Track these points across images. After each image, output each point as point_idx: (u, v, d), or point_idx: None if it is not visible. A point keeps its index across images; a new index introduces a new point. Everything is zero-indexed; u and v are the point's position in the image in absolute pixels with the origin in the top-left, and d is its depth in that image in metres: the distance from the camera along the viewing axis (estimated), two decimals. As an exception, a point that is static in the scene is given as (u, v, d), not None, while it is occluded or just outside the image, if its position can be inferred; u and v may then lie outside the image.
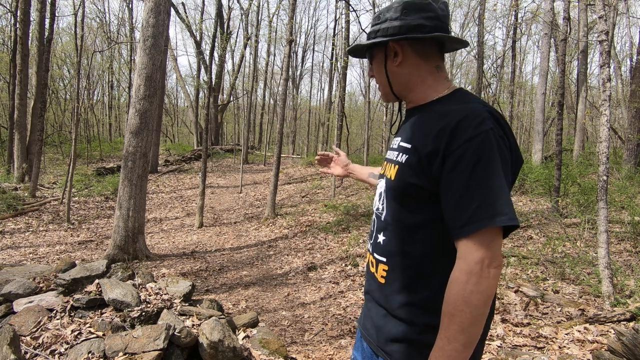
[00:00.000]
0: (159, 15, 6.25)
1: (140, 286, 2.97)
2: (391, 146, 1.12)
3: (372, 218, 1.14)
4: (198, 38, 19.36)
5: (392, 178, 1.01)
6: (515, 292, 3.95)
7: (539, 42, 20.19)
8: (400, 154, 1.01)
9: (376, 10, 12.90)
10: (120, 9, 30.62)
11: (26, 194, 10.01)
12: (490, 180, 0.84)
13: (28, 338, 2.34)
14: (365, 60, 1.31)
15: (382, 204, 1.07)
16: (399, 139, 1.06)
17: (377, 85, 1.14)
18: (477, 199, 0.84)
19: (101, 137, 22.49)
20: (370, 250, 1.11)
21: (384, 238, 1.04)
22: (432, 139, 0.91)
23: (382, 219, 1.06)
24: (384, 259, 1.04)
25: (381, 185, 1.09)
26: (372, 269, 1.10)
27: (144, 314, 2.48)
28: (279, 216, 9.07)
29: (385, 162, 1.12)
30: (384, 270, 1.04)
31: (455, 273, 0.86)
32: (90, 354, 2.17)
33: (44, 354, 2.21)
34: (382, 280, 1.04)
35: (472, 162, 0.85)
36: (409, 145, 0.99)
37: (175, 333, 2.26)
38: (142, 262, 6.13)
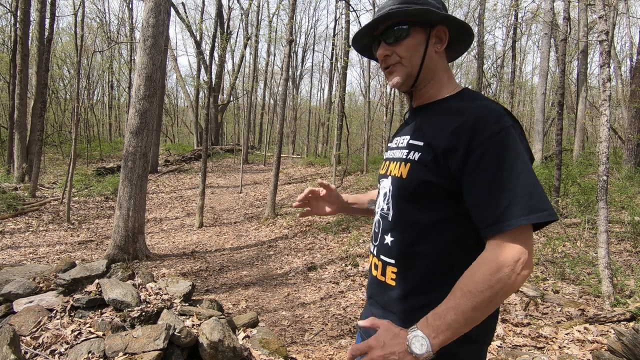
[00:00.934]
0: (159, 15, 6.25)
1: (140, 286, 2.97)
2: (396, 145, 1.09)
3: (375, 219, 1.10)
4: (198, 38, 19.37)
5: (404, 176, 0.97)
6: (516, 292, 3.95)
7: (539, 42, 20.21)
8: (412, 151, 0.98)
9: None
10: (120, 9, 30.63)
11: (26, 194, 10.01)
12: (520, 175, 0.83)
13: (28, 338, 2.33)
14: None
15: (388, 204, 1.03)
16: (407, 137, 1.04)
17: (391, 66, 1.03)
18: (509, 196, 0.82)
19: (101, 137, 22.49)
20: (375, 253, 1.08)
21: (392, 239, 1.01)
22: (449, 135, 0.90)
23: (389, 219, 1.02)
24: (393, 261, 1.01)
25: (385, 185, 1.06)
26: (376, 272, 1.06)
27: (144, 314, 2.48)
28: (279, 216, 9.07)
29: (389, 162, 1.09)
30: (393, 272, 1.00)
31: (489, 258, 0.83)
32: (90, 354, 2.17)
33: (44, 354, 2.21)
34: (392, 283, 1.00)
35: (497, 158, 0.84)
36: (421, 143, 0.97)
37: (175, 333, 2.26)
38: (142, 262, 6.13)
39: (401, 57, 1.00)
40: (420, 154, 0.96)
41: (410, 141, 1.01)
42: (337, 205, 1.33)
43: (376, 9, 1.14)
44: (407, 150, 1.00)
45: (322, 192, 1.31)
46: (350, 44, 1.17)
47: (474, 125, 0.87)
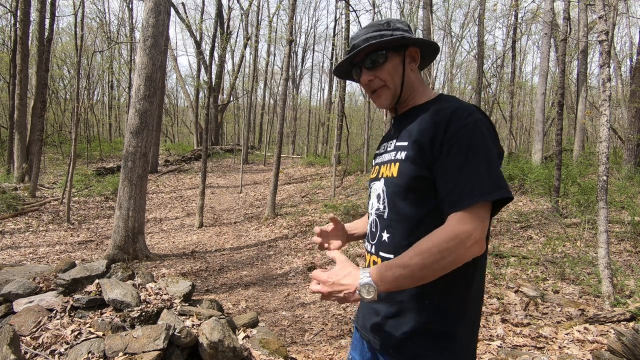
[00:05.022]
0: (159, 15, 6.25)
1: (140, 286, 2.97)
2: (384, 150, 1.19)
3: (371, 220, 1.17)
4: (198, 38, 19.36)
5: (395, 175, 1.06)
6: (515, 292, 3.95)
7: (539, 42, 20.21)
8: (399, 152, 1.08)
9: (376, 10, 12.89)
10: (120, 9, 30.62)
11: (26, 194, 10.00)
12: (482, 161, 0.93)
13: (28, 338, 2.33)
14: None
15: (383, 204, 1.11)
16: (394, 141, 1.14)
17: (377, 90, 1.14)
18: (470, 179, 0.92)
19: (101, 137, 22.48)
20: (373, 251, 1.14)
21: (388, 235, 1.08)
22: (430, 131, 1.00)
23: (385, 217, 1.10)
24: (391, 256, 1.06)
25: (378, 187, 1.14)
26: None
27: (144, 314, 2.48)
28: (279, 216, 9.07)
29: (379, 166, 1.18)
30: None
31: (446, 228, 0.92)
32: (90, 354, 2.17)
33: (44, 354, 2.21)
34: None
35: (464, 146, 0.95)
36: (406, 143, 1.07)
37: (175, 333, 2.26)
38: (142, 262, 6.13)
39: (384, 80, 1.12)
40: (406, 152, 1.05)
41: (397, 143, 1.12)
42: (344, 238, 1.35)
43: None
44: (395, 152, 1.11)
45: (331, 227, 1.33)
46: (332, 72, 1.29)
47: (448, 121, 0.98)
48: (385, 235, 1.09)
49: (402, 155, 1.06)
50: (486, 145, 0.95)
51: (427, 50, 1.17)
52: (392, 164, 1.09)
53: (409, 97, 1.16)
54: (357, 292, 0.93)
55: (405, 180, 1.03)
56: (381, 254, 1.10)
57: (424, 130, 1.02)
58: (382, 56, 1.10)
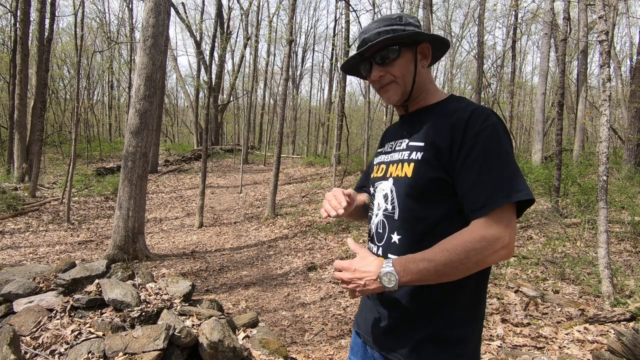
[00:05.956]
0: (159, 15, 6.25)
1: (140, 286, 2.97)
2: (392, 148, 1.15)
3: (377, 220, 1.13)
4: (198, 38, 19.35)
5: (409, 175, 1.03)
6: (515, 292, 3.95)
7: (539, 42, 20.20)
8: (414, 152, 1.04)
9: (376, 10, 12.89)
10: (120, 9, 30.64)
11: (26, 194, 10.00)
12: (502, 164, 0.93)
13: (28, 338, 2.33)
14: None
15: (392, 204, 1.08)
16: (405, 140, 1.10)
17: (386, 85, 1.10)
18: (492, 182, 0.92)
19: (101, 137, 22.48)
20: (380, 253, 1.10)
21: (400, 237, 1.05)
22: (447, 133, 0.99)
23: (395, 218, 1.07)
24: None
25: (385, 187, 1.11)
26: None
27: (144, 314, 2.48)
28: (279, 216, 9.07)
29: (386, 165, 1.14)
30: None
31: (474, 230, 0.91)
32: (90, 354, 2.17)
33: (44, 354, 2.21)
34: None
35: (484, 150, 0.94)
36: (421, 143, 1.04)
37: (175, 333, 2.26)
38: (142, 262, 6.13)
39: (395, 76, 1.09)
40: (422, 153, 1.02)
41: (410, 143, 1.08)
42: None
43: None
44: (407, 152, 1.06)
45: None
46: (340, 69, 1.26)
47: (465, 124, 0.97)
48: (395, 237, 1.06)
49: (418, 155, 1.03)
50: (504, 149, 0.94)
51: (438, 47, 1.15)
52: (406, 163, 1.05)
53: (420, 95, 1.13)
54: (379, 280, 0.94)
55: (421, 181, 1.00)
56: (390, 256, 1.06)
57: (441, 132, 1.00)
58: (395, 51, 1.07)
